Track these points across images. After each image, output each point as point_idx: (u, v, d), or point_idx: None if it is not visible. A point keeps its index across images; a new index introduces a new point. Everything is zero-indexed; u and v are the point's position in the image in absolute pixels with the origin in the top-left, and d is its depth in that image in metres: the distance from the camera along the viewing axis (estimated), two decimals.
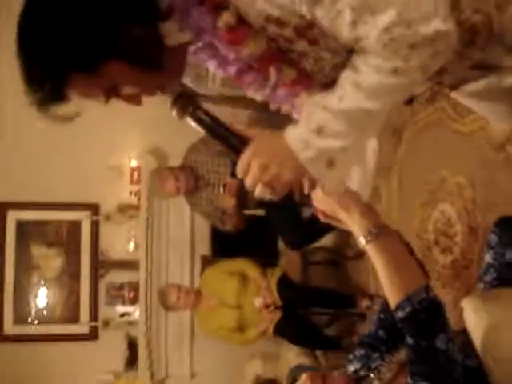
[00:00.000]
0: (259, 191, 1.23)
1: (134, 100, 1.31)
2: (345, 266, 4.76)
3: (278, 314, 4.17)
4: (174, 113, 1.30)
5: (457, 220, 3.11)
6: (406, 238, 1.65)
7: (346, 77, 1.17)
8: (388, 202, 3.87)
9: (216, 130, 1.31)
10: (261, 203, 4.07)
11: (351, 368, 1.76)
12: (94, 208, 4.87)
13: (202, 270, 4.67)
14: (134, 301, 4.88)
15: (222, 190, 4.03)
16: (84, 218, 4.85)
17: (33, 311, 4.72)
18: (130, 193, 4.91)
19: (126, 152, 4.93)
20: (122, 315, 4.85)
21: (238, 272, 4.28)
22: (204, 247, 4.87)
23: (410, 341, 1.39)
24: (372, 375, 1.68)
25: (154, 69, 1.26)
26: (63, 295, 4.80)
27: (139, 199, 4.84)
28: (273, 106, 1.44)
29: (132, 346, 4.79)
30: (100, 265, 4.86)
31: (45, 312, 4.74)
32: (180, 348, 4.89)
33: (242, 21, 1.22)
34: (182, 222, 4.85)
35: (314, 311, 4.36)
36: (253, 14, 1.21)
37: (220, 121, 1.31)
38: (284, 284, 4.21)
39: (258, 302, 4.15)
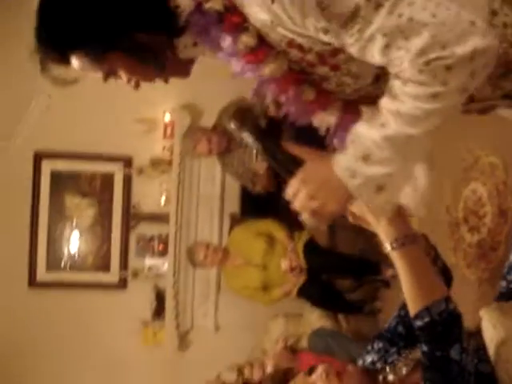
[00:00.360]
0: (306, 218, 1.27)
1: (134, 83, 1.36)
2: (372, 233, 4.76)
3: (302, 277, 4.24)
4: (232, 125, 1.34)
5: (487, 200, 3.08)
6: (431, 241, 1.68)
7: (386, 105, 1.16)
8: None
9: (270, 151, 1.33)
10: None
11: (368, 359, 1.80)
12: (126, 161, 4.92)
13: (231, 229, 4.73)
14: (163, 253, 4.98)
15: (254, 152, 4.04)
16: (117, 170, 4.92)
17: (65, 259, 4.86)
18: (163, 147, 4.94)
19: (161, 106, 4.93)
20: (151, 267, 4.96)
21: (265, 233, 4.33)
22: (233, 206, 4.91)
23: (424, 348, 1.43)
24: (388, 369, 1.72)
25: (158, 69, 1.31)
26: (95, 244, 4.93)
27: (171, 154, 4.88)
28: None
29: (159, 297, 4.92)
30: (131, 217, 4.95)
31: (77, 260, 4.88)
32: (206, 301, 5.01)
33: (262, 41, 1.22)
34: (212, 180, 4.89)
35: (338, 276, 4.41)
36: (274, 37, 1.20)
37: (275, 140, 1.33)
38: (310, 248, 4.26)
39: (284, 264, 4.21)
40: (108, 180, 4.94)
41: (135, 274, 4.95)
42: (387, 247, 1.42)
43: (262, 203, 4.49)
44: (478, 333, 1.60)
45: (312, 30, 1.13)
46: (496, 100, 1.40)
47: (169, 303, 4.87)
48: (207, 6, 1.16)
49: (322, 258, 4.27)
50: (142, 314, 4.86)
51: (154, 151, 4.96)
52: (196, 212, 4.93)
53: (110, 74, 1.30)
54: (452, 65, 1.08)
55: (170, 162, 4.88)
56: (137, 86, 1.36)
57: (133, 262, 4.96)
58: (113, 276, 4.91)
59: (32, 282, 4.76)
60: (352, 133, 1.23)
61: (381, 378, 1.72)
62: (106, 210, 4.93)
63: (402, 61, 1.10)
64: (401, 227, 1.42)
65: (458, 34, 1.07)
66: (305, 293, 4.28)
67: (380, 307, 4.36)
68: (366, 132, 1.19)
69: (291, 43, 1.21)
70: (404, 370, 1.66)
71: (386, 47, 1.10)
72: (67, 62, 1.27)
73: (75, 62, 1.26)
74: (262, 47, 1.22)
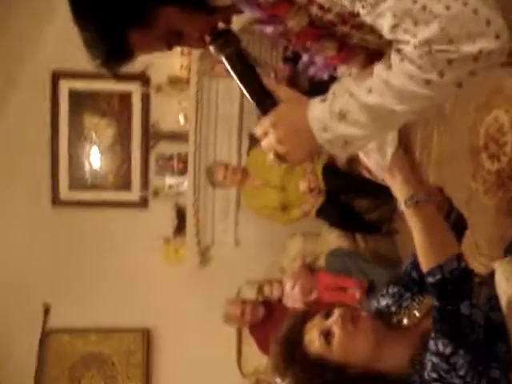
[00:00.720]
0: (271, 158, 1.27)
1: (197, 43, 1.29)
2: None
3: (321, 198, 4.27)
4: (211, 48, 1.27)
5: (509, 129, 3.03)
6: (447, 193, 1.68)
7: (379, 72, 1.14)
8: None
9: (247, 80, 1.27)
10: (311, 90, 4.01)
11: (383, 302, 1.84)
12: (144, 79, 4.87)
13: (250, 149, 4.73)
14: (182, 172, 5.02)
15: (272, 74, 3.97)
16: (134, 89, 4.88)
17: (87, 178, 4.93)
18: (181, 66, 4.87)
19: None
20: (171, 186, 5.02)
21: None
22: (252, 125, 4.88)
23: (436, 303, 1.47)
24: (402, 313, 1.77)
25: (205, 11, 1.23)
26: (115, 164, 4.98)
27: (189, 73, 4.81)
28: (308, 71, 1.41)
29: (180, 214, 5.01)
30: (150, 136, 4.96)
31: (98, 179, 4.95)
32: (226, 218, 5.09)
33: None
34: (231, 99, 4.84)
35: (356, 197, 4.43)
36: None
37: (256, 73, 1.28)
38: (329, 170, 4.26)
39: (303, 185, 4.23)
40: (126, 99, 4.92)
41: (156, 193, 5.02)
42: (401, 205, 1.43)
43: None
44: (491, 280, 1.62)
45: None
46: None
47: (189, 221, 4.96)
48: None
49: (341, 179, 4.28)
50: (163, 232, 4.97)
51: (171, 69, 4.89)
52: (214, 131, 4.91)
53: (170, 38, 1.24)
54: (454, 60, 1.06)
55: (187, 81, 4.83)
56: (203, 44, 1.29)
57: (153, 180, 5.03)
58: (134, 195, 4.99)
59: (55, 200, 4.86)
60: (336, 85, 1.21)
61: (395, 320, 1.77)
62: (124, 129, 4.95)
63: (407, 42, 1.08)
64: (415, 185, 1.43)
65: (468, 31, 1.04)
66: (323, 213, 4.32)
67: (397, 228, 4.40)
68: (350, 90, 1.17)
69: (312, 1, 1.18)
70: (418, 315, 1.71)
71: (394, 27, 1.09)
72: (127, 50, 1.22)
73: (135, 42, 1.21)
74: (284, 3, 1.19)
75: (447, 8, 1.03)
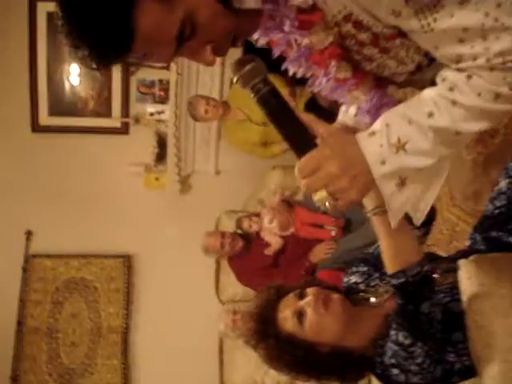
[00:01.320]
0: (320, 198, 1.14)
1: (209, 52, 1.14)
2: None
3: None
4: (235, 79, 1.17)
5: None
6: None
7: (441, 94, 1.11)
8: None
9: (280, 116, 1.15)
10: None
11: (353, 279, 1.93)
12: None
13: (232, 82, 4.66)
14: (163, 100, 4.97)
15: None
16: None
17: (66, 104, 4.85)
18: None
19: None
20: (152, 114, 4.98)
21: None
22: (236, 55, 4.78)
23: (399, 301, 1.56)
24: (370, 291, 1.86)
25: (230, 9, 1.11)
26: (95, 90, 4.89)
27: None
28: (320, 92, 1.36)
29: (161, 142, 5.00)
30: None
31: (78, 106, 4.88)
32: (207, 147, 5.09)
33: (316, 8, 1.13)
34: None
35: None
36: (332, 7, 1.11)
37: (289, 106, 1.16)
38: (312, 106, 4.24)
39: None
40: None
41: (137, 120, 4.97)
42: (368, 212, 1.48)
43: (266, 58, 4.37)
44: (455, 273, 1.70)
45: (383, 11, 1.06)
46: None
47: (170, 150, 4.96)
48: None
49: (323, 116, 4.27)
50: (144, 159, 4.98)
51: None
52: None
53: (185, 25, 1.06)
54: None
55: None
56: (212, 61, 1.15)
57: (134, 107, 4.96)
58: (114, 121, 4.94)
59: (35, 126, 4.81)
60: (387, 115, 1.15)
61: (363, 298, 1.87)
62: None
63: (475, 57, 1.06)
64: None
65: None
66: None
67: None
68: (409, 117, 1.11)
69: (349, 17, 1.12)
70: (384, 295, 1.80)
71: (460, 42, 1.05)
72: (132, 32, 1.03)
73: (143, 21, 1.02)
74: (315, 13, 1.13)
75: None
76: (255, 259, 4.20)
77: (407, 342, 1.56)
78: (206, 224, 4.58)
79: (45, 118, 4.82)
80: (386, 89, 1.29)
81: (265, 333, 1.73)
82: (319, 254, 3.99)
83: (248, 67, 1.14)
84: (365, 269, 1.91)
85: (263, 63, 1.16)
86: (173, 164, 5.01)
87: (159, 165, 5.04)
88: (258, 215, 4.38)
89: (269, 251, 4.11)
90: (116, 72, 4.86)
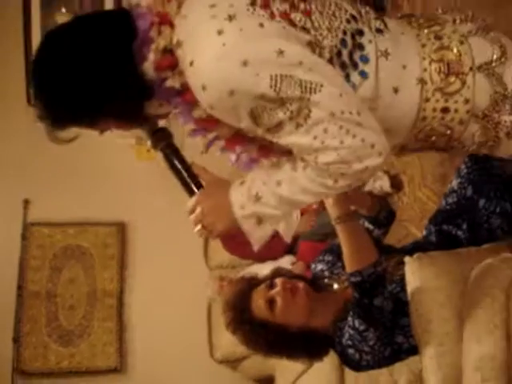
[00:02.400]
0: (197, 230, 1.57)
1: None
2: None
3: None
4: (148, 142, 1.65)
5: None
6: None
7: (286, 171, 1.45)
8: None
9: (178, 169, 1.60)
10: None
11: (319, 267, 2.20)
12: None
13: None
14: None
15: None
16: None
17: None
18: None
19: None
20: None
21: None
22: None
23: (355, 295, 1.82)
24: (333, 278, 2.13)
25: (135, 123, 1.58)
26: None
27: None
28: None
29: None
30: None
31: None
32: None
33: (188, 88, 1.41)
34: None
35: None
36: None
37: (185, 162, 1.62)
38: None
39: None
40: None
41: None
42: (332, 221, 1.76)
43: None
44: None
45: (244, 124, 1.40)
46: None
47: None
48: (168, 83, 1.41)
49: None
50: (135, 131, 5.12)
51: None
52: None
53: (103, 131, 1.57)
54: (346, 173, 1.37)
55: None
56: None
57: None
58: None
59: (30, 99, 4.88)
60: (254, 173, 1.53)
61: (326, 284, 2.14)
62: None
63: (312, 159, 1.38)
64: (343, 207, 1.76)
65: (358, 155, 1.35)
66: None
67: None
68: (264, 179, 1.47)
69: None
70: (346, 283, 2.07)
71: (298, 152, 1.40)
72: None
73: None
74: (213, 118, 1.44)
75: (341, 142, 1.32)
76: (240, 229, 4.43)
77: (361, 327, 1.85)
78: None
79: None
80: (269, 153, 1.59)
81: (241, 320, 2.02)
82: (302, 224, 4.23)
83: (157, 135, 1.62)
84: (330, 258, 2.18)
85: (169, 132, 1.64)
86: None
87: None
88: None
89: None
90: None
